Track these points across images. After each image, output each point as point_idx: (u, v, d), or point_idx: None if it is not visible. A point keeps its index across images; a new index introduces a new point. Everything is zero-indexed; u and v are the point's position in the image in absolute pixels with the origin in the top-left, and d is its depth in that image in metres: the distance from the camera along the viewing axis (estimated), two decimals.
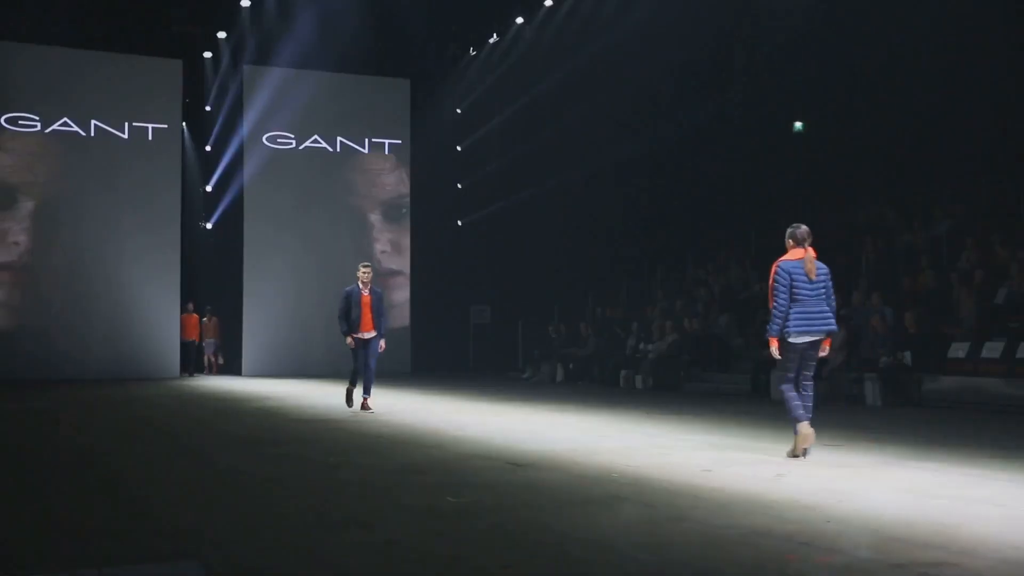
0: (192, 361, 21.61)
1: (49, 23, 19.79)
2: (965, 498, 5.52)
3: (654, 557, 4.15)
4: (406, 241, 23.29)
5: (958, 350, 12.51)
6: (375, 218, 23.05)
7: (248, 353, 21.71)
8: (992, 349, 12.12)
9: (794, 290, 6.98)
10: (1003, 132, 15.97)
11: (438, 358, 23.25)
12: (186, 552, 4.29)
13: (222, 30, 21.85)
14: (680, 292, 19.44)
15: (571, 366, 19.12)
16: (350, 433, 9.25)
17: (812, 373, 7.16)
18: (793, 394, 7.03)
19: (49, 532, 4.78)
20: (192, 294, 21.94)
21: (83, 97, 20.52)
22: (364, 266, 11.59)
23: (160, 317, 20.79)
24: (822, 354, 7.16)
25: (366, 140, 23.03)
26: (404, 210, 23.06)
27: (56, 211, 20.24)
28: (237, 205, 22.45)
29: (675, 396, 15.07)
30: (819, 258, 7.18)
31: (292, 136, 22.35)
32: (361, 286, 11.38)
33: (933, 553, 4.16)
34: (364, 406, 11.36)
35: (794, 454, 7.04)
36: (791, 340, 6.99)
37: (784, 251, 7.16)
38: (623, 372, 17.57)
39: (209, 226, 24.77)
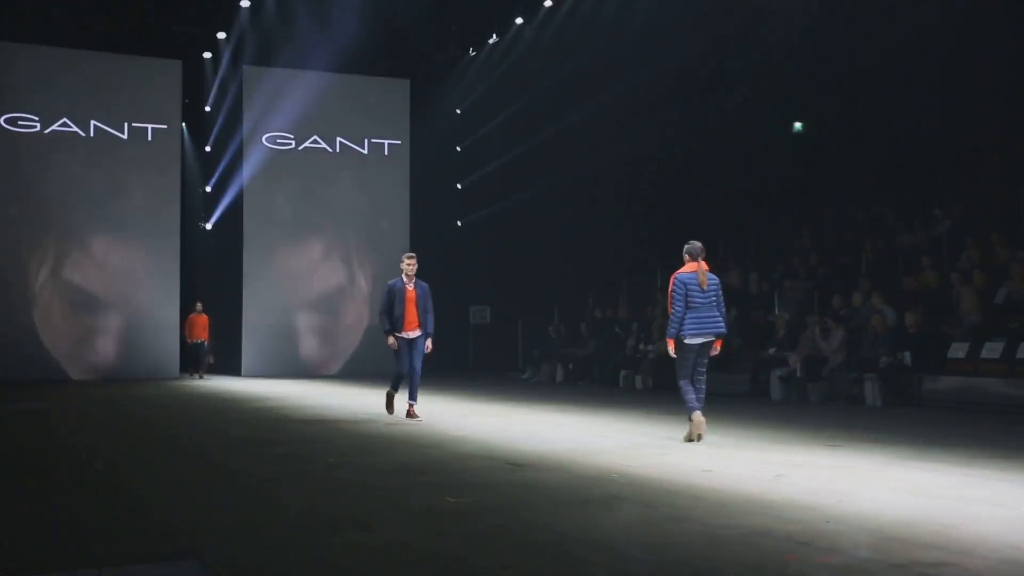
0: (199, 361, 20.90)
1: (49, 23, 19.80)
2: (965, 498, 5.52)
3: (654, 557, 4.15)
4: (405, 241, 23.29)
5: (958, 350, 12.51)
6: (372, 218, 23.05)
7: (248, 353, 21.71)
8: (992, 349, 12.12)
9: (689, 298, 8.05)
10: (1003, 132, 15.97)
11: (438, 358, 23.17)
12: (186, 552, 4.29)
13: (222, 30, 21.85)
14: None
15: (571, 366, 19.12)
16: (350, 433, 9.26)
17: (705, 369, 8.24)
18: (689, 387, 8.15)
19: (49, 532, 4.78)
20: (192, 294, 21.91)
21: (83, 97, 20.52)
22: (408, 257, 10.41)
23: (160, 317, 20.78)
24: (714, 353, 8.26)
25: (366, 140, 23.04)
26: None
27: (56, 212, 20.23)
28: (237, 205, 22.46)
29: (675, 396, 15.04)
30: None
31: (292, 136, 22.35)
32: (405, 279, 10.26)
33: (933, 553, 4.16)
34: (410, 413, 10.30)
35: (689, 438, 8.13)
36: (686, 341, 8.08)
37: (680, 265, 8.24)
38: (623, 372, 17.57)
39: (209, 226, 24.76)
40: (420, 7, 20.79)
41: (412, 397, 10.37)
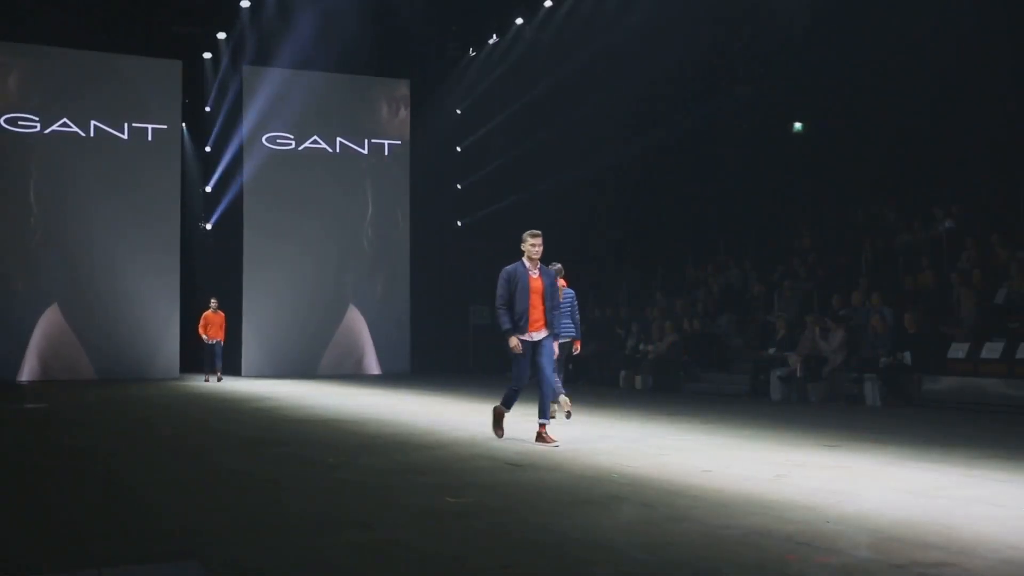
0: (214, 362, 19.38)
1: (49, 23, 19.80)
2: (965, 498, 5.52)
3: (654, 557, 4.15)
4: (405, 242, 23.31)
5: (958, 350, 12.52)
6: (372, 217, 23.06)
7: (248, 353, 21.70)
8: (992, 349, 12.12)
9: None
10: (1003, 132, 15.98)
11: (438, 358, 23.24)
12: (186, 552, 4.29)
13: (222, 31, 21.85)
14: (680, 292, 19.45)
15: (571, 366, 19.09)
16: (350, 433, 9.26)
17: (561, 365, 10.32)
18: (556, 377, 9.71)
19: (49, 532, 4.79)
20: (192, 295, 21.86)
21: (83, 97, 20.53)
22: (532, 236, 8.13)
23: (160, 318, 20.78)
24: (575, 352, 10.63)
25: (366, 140, 23.04)
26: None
27: (56, 212, 20.24)
28: (236, 206, 22.46)
29: (675, 396, 15.07)
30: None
31: (291, 137, 22.36)
32: (528, 264, 8.13)
33: (933, 553, 4.16)
34: (542, 436, 8.08)
35: (567, 415, 10.31)
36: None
37: None
38: (623, 372, 17.57)
39: (209, 227, 24.76)
40: (420, 7, 20.79)
41: (543, 415, 8.10)
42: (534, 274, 8.13)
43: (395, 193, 23.24)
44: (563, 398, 10.09)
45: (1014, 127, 15.69)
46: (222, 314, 19.72)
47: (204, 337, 19.39)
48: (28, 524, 5.00)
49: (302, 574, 3.96)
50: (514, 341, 7.99)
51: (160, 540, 4.59)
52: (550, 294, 8.15)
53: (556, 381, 9.97)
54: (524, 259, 8.16)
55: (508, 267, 8.16)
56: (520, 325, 8.00)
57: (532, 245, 8.09)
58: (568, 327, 10.28)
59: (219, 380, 19.26)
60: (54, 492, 6.04)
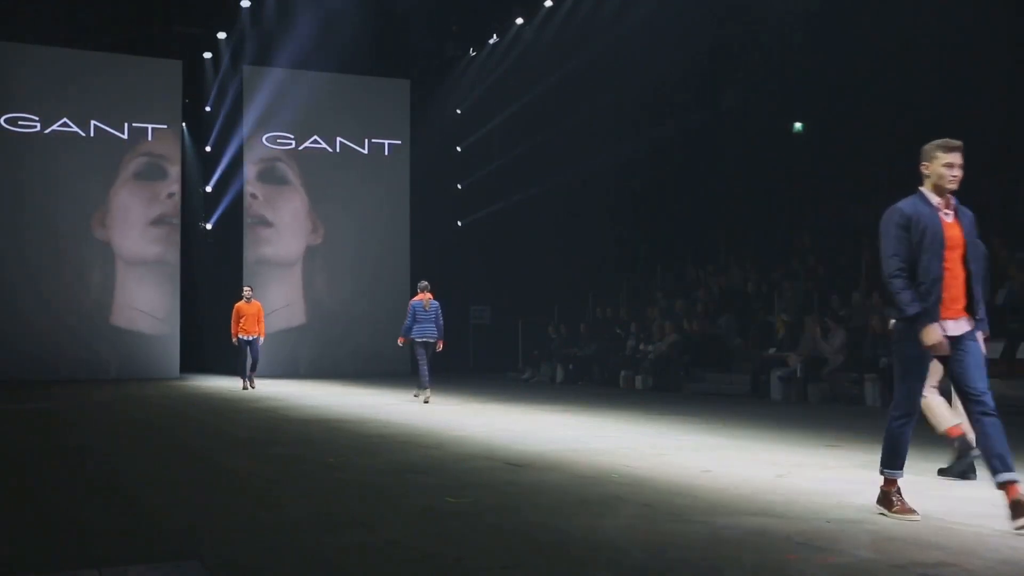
0: (250, 366, 16.77)
1: (49, 23, 19.80)
2: (965, 498, 5.52)
3: (654, 557, 4.15)
4: (405, 242, 23.30)
5: None
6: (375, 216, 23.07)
7: None
8: (992, 349, 12.09)
9: (416, 315, 13.12)
10: (1003, 132, 15.97)
11: (438, 358, 23.14)
12: (186, 552, 4.29)
13: (222, 30, 21.84)
14: (680, 292, 19.45)
15: (571, 366, 19.11)
16: (350, 434, 9.26)
17: (428, 361, 13.30)
18: (425, 369, 13.21)
19: (49, 532, 4.79)
20: (192, 295, 21.80)
21: (83, 97, 20.51)
22: (947, 149, 4.82)
23: (160, 317, 20.76)
24: (438, 349, 13.32)
25: (366, 140, 23.04)
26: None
27: (55, 212, 20.22)
28: (237, 205, 22.46)
29: (675, 397, 15.07)
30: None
31: (292, 136, 22.36)
32: (936, 202, 4.82)
33: (933, 553, 4.16)
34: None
35: (414, 394, 13.62)
36: (416, 340, 13.15)
37: None
38: (623, 372, 17.56)
39: (209, 226, 24.76)
40: (420, 7, 20.78)
41: (1008, 466, 4.75)
42: (948, 217, 4.76)
43: (395, 193, 23.22)
44: (426, 392, 13.01)
45: (1014, 127, 15.69)
46: (257, 304, 17.08)
47: (234, 340, 16.81)
48: (28, 524, 5.00)
49: (302, 574, 3.96)
50: (936, 334, 4.64)
51: (160, 540, 4.59)
52: (973, 251, 4.78)
53: (425, 375, 13.09)
54: (926, 191, 4.84)
55: (902, 204, 4.81)
56: (932, 309, 4.67)
57: (946, 165, 4.76)
58: (432, 330, 13.11)
59: (253, 387, 16.55)
60: (54, 492, 6.04)
